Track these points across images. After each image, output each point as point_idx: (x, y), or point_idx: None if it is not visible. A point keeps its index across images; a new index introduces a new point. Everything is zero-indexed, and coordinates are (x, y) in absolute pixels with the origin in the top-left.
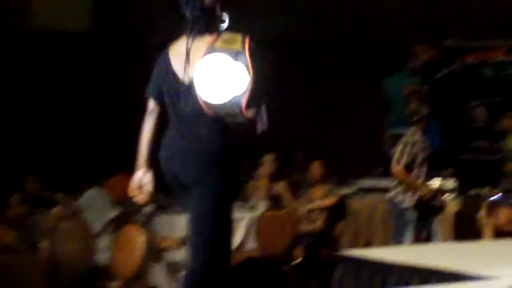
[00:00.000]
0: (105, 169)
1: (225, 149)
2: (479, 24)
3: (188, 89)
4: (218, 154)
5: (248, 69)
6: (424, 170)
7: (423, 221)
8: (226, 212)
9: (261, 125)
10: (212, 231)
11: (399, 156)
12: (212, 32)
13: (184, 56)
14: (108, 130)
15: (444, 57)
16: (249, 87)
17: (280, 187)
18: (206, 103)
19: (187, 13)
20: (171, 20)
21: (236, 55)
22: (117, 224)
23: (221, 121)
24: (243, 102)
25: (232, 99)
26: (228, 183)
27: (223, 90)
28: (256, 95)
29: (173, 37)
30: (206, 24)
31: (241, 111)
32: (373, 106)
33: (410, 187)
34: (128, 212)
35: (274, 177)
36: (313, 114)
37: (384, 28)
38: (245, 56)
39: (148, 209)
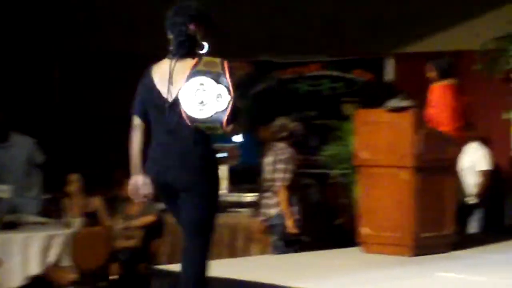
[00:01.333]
0: None
1: (209, 157)
2: (293, 40)
3: (172, 106)
4: (205, 162)
5: (228, 89)
6: None
7: None
8: (214, 215)
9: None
10: (205, 229)
11: (287, 174)
12: (193, 56)
13: (167, 76)
14: None
15: (260, 72)
16: (230, 105)
17: (96, 204)
18: (189, 117)
19: (173, 38)
20: None
21: (217, 76)
22: None
23: (202, 133)
24: (224, 118)
25: (213, 115)
26: (214, 188)
27: (206, 108)
28: (235, 111)
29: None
30: (189, 49)
31: (221, 126)
32: None
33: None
34: None
35: (89, 194)
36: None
37: None
38: (225, 77)
39: None
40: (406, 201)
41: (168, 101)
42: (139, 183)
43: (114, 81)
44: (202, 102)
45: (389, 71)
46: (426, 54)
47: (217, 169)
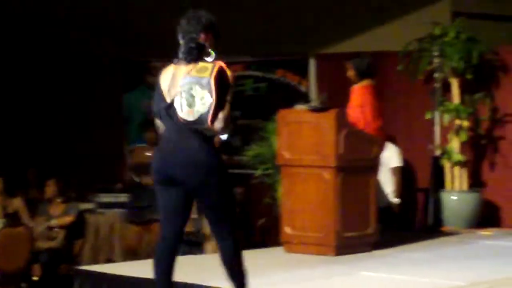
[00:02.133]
0: None
1: (216, 155)
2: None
3: (171, 107)
4: (213, 158)
5: (211, 92)
6: None
7: None
8: (231, 197)
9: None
10: (230, 223)
11: None
12: (200, 59)
13: (170, 79)
14: None
15: None
16: (212, 107)
17: (16, 204)
18: (181, 119)
19: (183, 43)
20: None
21: (203, 81)
22: None
23: (205, 132)
24: (209, 119)
25: (199, 117)
26: (223, 184)
27: (194, 110)
28: (218, 112)
29: None
30: (197, 56)
31: (208, 126)
32: (112, 121)
33: None
34: None
35: (9, 194)
36: (49, 130)
37: (124, 43)
38: (210, 82)
39: None
40: (329, 201)
41: (168, 103)
42: None
43: (30, 83)
44: (190, 105)
45: (312, 72)
46: (348, 55)
47: (223, 161)
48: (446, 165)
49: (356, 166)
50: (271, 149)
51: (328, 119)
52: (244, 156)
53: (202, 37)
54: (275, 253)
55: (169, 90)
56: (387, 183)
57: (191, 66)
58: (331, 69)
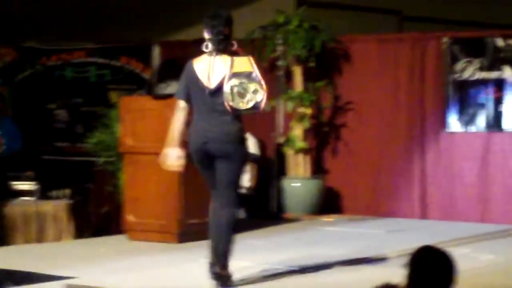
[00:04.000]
0: None
1: (242, 132)
2: (59, 27)
3: (214, 92)
4: (239, 136)
5: (260, 83)
6: None
7: None
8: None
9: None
10: (236, 186)
11: None
12: (227, 52)
13: (207, 69)
14: None
15: (25, 58)
16: (265, 94)
17: None
18: (232, 108)
19: (212, 37)
20: None
21: (249, 76)
22: None
23: (237, 114)
24: (262, 105)
25: (254, 105)
26: (241, 157)
27: (247, 100)
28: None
29: None
30: (225, 46)
31: (258, 111)
32: None
33: None
34: None
35: None
36: None
37: None
38: (256, 75)
39: None
40: (172, 189)
41: (209, 88)
42: (173, 154)
43: None
44: (242, 96)
45: (156, 59)
46: (192, 42)
47: (245, 140)
48: (289, 152)
49: None
50: (114, 136)
51: (170, 106)
52: (87, 143)
53: (226, 30)
54: (117, 240)
55: (209, 78)
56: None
57: (225, 57)
58: (175, 56)
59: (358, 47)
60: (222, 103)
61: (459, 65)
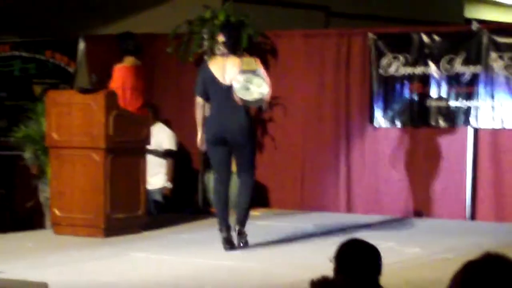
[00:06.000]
0: None
1: (251, 122)
2: None
3: (228, 89)
4: (249, 125)
5: (265, 79)
6: None
7: None
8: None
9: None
10: (252, 165)
11: None
12: (237, 54)
13: (222, 68)
14: None
15: None
16: (269, 87)
17: None
18: (242, 100)
19: (226, 40)
20: None
21: (256, 72)
22: None
23: (246, 106)
24: (268, 96)
25: (259, 97)
26: (253, 141)
27: (252, 93)
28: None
29: None
30: (235, 49)
31: (264, 102)
32: None
33: None
34: None
35: None
36: None
37: None
38: (261, 71)
39: None
40: (98, 183)
41: (225, 85)
42: (202, 139)
43: None
44: (248, 90)
45: (81, 53)
46: (117, 36)
47: (255, 129)
48: None
49: (126, 148)
50: (40, 130)
51: (97, 100)
52: (12, 137)
53: (237, 35)
54: (43, 235)
55: (223, 77)
56: (160, 166)
57: (235, 58)
58: (100, 51)
59: (285, 42)
60: (233, 98)
61: (384, 61)
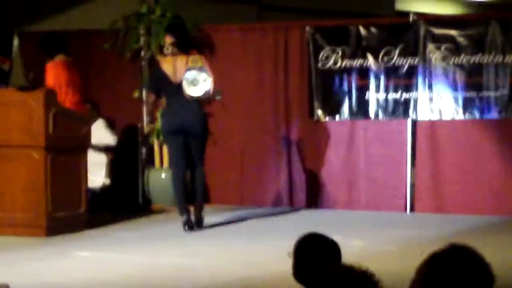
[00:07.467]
0: None
1: (205, 114)
2: None
3: (178, 86)
4: (203, 117)
5: (208, 74)
6: None
7: None
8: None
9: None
10: (203, 155)
11: None
12: (186, 53)
13: (172, 66)
14: None
15: None
16: (212, 83)
17: None
18: (189, 95)
19: (175, 41)
20: None
21: (200, 69)
22: None
23: (198, 100)
24: (211, 91)
25: (204, 92)
26: (207, 133)
27: (199, 88)
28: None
29: None
30: (185, 46)
31: (209, 96)
32: None
33: None
34: None
35: None
36: None
37: None
38: (206, 68)
39: None
40: (39, 181)
41: (176, 82)
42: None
43: None
44: (195, 85)
45: (15, 49)
46: (51, 33)
47: (207, 120)
48: (155, 143)
49: (66, 145)
50: None
51: (36, 98)
52: None
53: (183, 34)
54: None
55: (174, 75)
56: (99, 163)
57: (184, 57)
58: (36, 47)
59: (221, 36)
60: (184, 95)
61: (323, 54)
